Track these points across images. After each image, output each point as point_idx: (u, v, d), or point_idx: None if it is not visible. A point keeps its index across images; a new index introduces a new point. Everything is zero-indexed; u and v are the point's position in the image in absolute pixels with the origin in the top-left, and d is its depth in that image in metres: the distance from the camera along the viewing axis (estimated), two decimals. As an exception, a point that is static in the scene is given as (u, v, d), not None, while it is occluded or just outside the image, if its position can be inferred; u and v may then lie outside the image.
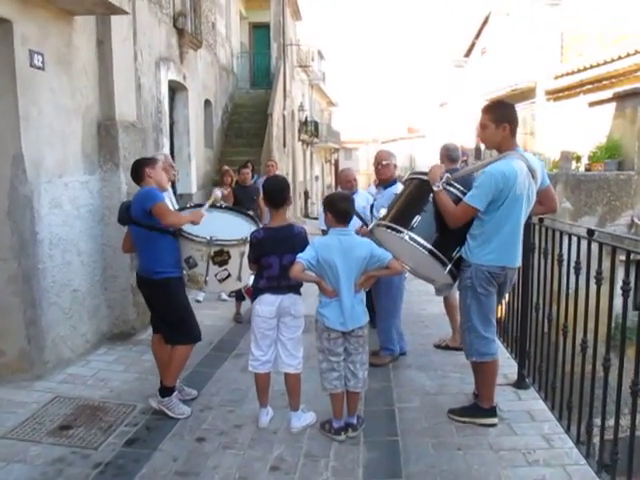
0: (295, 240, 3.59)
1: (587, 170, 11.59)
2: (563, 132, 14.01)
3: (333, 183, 41.43)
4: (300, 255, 3.38)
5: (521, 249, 3.56)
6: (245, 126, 15.42)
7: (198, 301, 7.35)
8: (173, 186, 10.65)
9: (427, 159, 29.66)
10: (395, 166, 5.04)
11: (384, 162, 4.94)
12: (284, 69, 17.25)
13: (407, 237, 3.52)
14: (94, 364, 4.99)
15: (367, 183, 32.99)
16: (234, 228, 4.40)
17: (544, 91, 16.12)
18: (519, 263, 3.60)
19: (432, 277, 3.98)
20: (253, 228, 4.23)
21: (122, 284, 5.65)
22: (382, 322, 5.01)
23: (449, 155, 6.10)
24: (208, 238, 3.98)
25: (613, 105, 12.17)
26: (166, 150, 9.89)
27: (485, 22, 21.75)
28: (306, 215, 24.56)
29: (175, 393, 4.00)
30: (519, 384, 4.28)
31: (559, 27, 16.13)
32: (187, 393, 4.28)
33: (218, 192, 4.35)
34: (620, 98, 11.91)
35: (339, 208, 3.49)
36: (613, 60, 12.36)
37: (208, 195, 4.65)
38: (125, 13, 4.96)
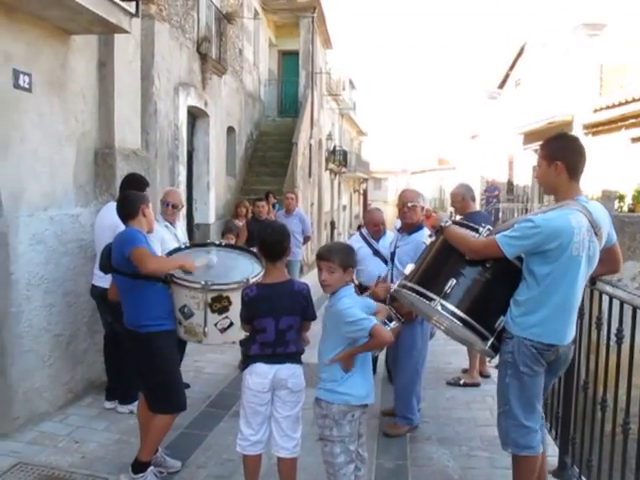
0: (295, 299, 3.01)
1: (630, 211, 10.80)
2: (604, 169, 13.20)
3: (361, 213, 40.96)
4: (369, 318, 2.75)
5: (575, 322, 2.88)
6: (270, 155, 15.05)
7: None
8: (189, 219, 10.36)
9: (457, 191, 29.02)
10: (423, 208, 4.37)
11: (410, 204, 4.27)
12: (312, 97, 16.90)
13: (439, 307, 2.88)
14: (73, 419, 4.43)
15: (394, 215, 32.44)
16: (235, 269, 3.87)
17: (582, 125, 15.41)
18: (571, 338, 2.90)
19: (470, 341, 3.33)
20: (258, 268, 3.69)
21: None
22: (401, 387, 4.37)
23: (472, 195, 5.57)
24: (203, 283, 3.48)
25: (659, 142, 11.40)
26: (182, 178, 9.52)
27: (520, 53, 21.22)
28: (331, 246, 23.94)
29: (150, 469, 3.41)
30: (560, 473, 3.58)
31: (598, 58, 15.49)
32: (169, 465, 3.68)
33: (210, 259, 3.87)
34: (667, 134, 11.14)
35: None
36: (658, 94, 11.64)
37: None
38: (125, 32, 4.51)
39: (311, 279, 11.98)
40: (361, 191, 41.23)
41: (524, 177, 20.15)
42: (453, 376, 5.74)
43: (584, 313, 3.32)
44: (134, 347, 3.50)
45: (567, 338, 2.85)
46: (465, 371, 5.79)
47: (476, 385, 5.54)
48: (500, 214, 17.92)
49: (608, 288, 3.03)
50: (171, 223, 4.99)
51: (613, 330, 2.97)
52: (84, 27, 4.40)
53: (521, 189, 20.30)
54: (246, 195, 12.60)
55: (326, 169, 22.35)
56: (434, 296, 2.91)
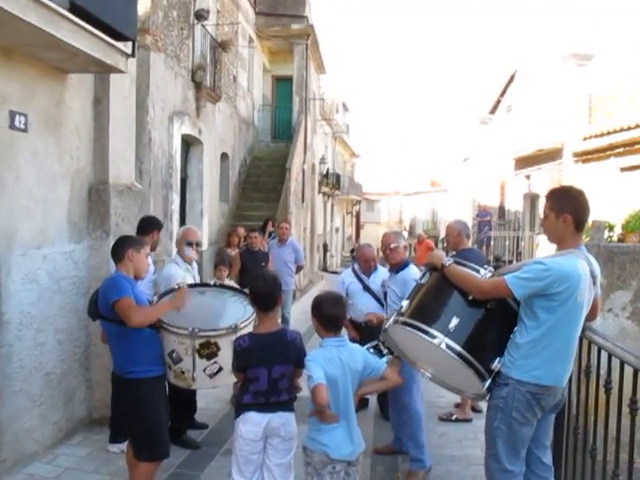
0: (288, 348, 3.01)
1: (620, 240, 10.87)
2: (593, 197, 13.29)
3: (354, 234, 41.06)
4: (315, 376, 2.71)
5: (572, 365, 2.94)
6: (263, 180, 15.12)
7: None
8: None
9: (449, 214, 29.15)
10: (405, 247, 4.56)
11: (392, 245, 4.45)
12: (305, 123, 17.02)
13: (444, 345, 2.83)
14: (62, 460, 4.38)
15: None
16: (225, 313, 3.87)
17: (572, 152, 15.57)
18: (566, 382, 2.95)
19: (459, 387, 3.29)
20: (249, 311, 3.70)
21: (106, 362, 5.02)
22: (406, 426, 4.36)
23: (468, 232, 5.68)
24: (190, 329, 3.47)
25: (648, 171, 11.53)
26: (175, 207, 9.55)
27: (511, 80, 21.49)
28: (324, 269, 24.00)
29: (141, 514, 3.38)
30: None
31: (587, 87, 15.71)
32: (160, 510, 3.66)
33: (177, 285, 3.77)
34: (655, 164, 11.28)
35: (327, 314, 2.92)
36: (646, 124, 11.80)
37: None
38: (121, 72, 4.56)
39: (303, 304, 11.95)
40: (354, 213, 41.38)
41: (516, 202, 20.29)
42: (445, 411, 5.74)
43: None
44: (121, 392, 3.51)
45: (564, 380, 2.90)
46: (458, 405, 5.78)
47: (468, 420, 5.54)
48: (492, 242, 17.93)
49: (598, 339, 3.05)
50: (190, 263, 4.80)
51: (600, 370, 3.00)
52: (80, 67, 4.44)
53: (513, 214, 20.42)
54: (239, 221, 12.62)
55: (319, 192, 22.45)
56: (437, 333, 2.87)
